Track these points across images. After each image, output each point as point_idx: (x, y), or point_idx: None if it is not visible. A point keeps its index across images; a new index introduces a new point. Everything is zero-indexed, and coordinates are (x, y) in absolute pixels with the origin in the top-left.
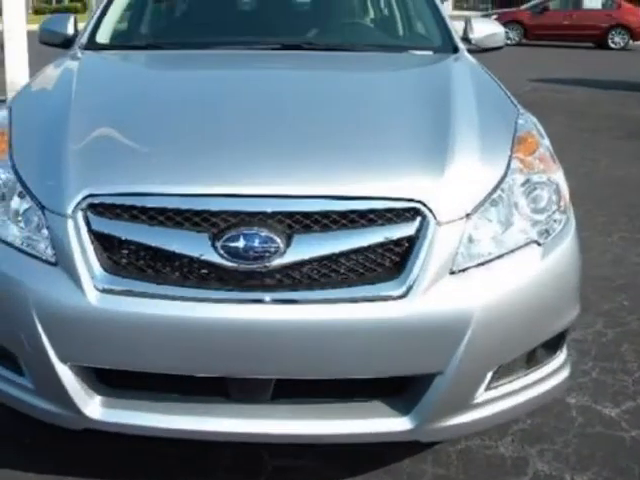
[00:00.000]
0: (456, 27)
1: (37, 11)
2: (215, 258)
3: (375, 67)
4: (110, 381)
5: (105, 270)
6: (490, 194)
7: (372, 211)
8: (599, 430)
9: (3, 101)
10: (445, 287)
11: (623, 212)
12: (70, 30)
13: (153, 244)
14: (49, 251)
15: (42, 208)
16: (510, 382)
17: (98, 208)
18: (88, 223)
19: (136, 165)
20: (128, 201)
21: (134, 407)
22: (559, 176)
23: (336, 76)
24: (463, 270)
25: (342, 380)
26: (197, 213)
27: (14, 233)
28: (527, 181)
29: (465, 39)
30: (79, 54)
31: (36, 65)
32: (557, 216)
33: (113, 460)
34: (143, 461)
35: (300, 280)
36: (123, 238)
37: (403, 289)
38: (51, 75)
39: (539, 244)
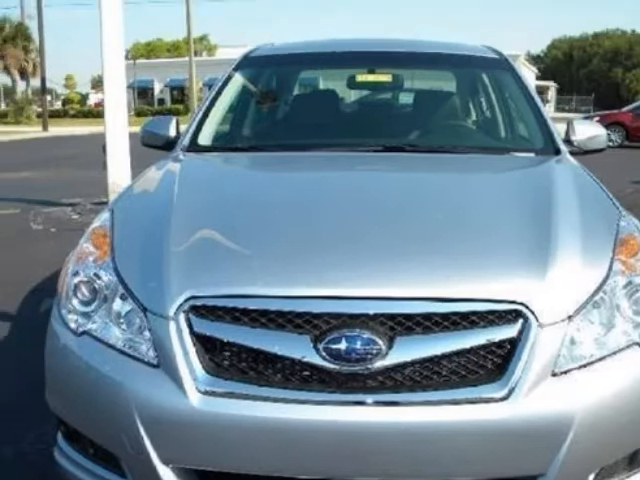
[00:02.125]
0: (558, 129)
1: (139, 113)
2: (317, 360)
3: (477, 169)
4: None
5: (207, 372)
6: (592, 296)
7: (474, 313)
8: None
9: (105, 203)
10: (547, 389)
11: None
12: (172, 132)
13: (255, 346)
14: (151, 353)
15: (144, 310)
16: None
17: (200, 310)
18: (190, 325)
19: (238, 267)
20: (230, 303)
21: None
22: None
23: (437, 178)
24: (565, 372)
25: None
26: (299, 315)
27: (116, 335)
28: (629, 283)
29: (567, 141)
30: (181, 156)
31: (138, 167)
32: None
33: None
34: None
35: (402, 382)
36: (225, 340)
37: (505, 391)
38: (153, 177)
39: None
